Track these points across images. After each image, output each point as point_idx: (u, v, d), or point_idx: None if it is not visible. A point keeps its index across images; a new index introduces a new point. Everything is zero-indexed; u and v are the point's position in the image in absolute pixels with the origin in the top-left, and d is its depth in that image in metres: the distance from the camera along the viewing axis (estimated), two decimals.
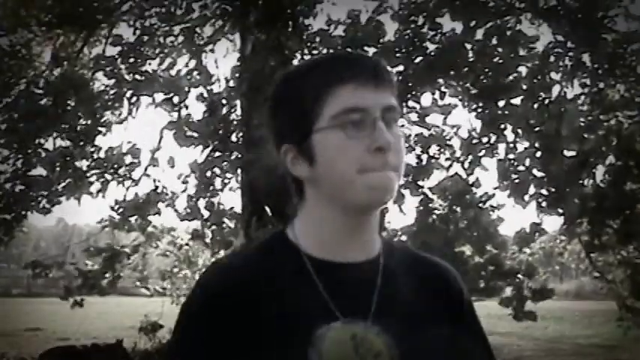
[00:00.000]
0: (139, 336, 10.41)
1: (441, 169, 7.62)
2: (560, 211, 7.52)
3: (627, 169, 7.51)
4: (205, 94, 7.90)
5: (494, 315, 9.11)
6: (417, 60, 7.37)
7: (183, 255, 10.84)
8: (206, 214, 8.22)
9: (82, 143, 8.43)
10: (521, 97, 7.46)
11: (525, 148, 7.56)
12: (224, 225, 8.27)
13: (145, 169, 8.60)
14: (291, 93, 1.19)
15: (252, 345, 1.11)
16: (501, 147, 7.59)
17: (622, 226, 7.52)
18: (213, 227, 8.29)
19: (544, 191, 7.45)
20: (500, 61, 7.41)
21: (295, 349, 1.09)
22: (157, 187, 8.54)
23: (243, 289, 1.14)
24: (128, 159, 8.47)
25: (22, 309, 19.65)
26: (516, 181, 7.41)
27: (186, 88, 8.01)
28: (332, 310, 1.13)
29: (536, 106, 7.45)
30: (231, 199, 12.88)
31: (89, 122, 8.55)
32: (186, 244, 10.33)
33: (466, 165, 7.57)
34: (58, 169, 8.28)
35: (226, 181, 8.29)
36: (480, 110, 7.54)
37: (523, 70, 7.54)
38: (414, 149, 7.55)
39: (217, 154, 8.04)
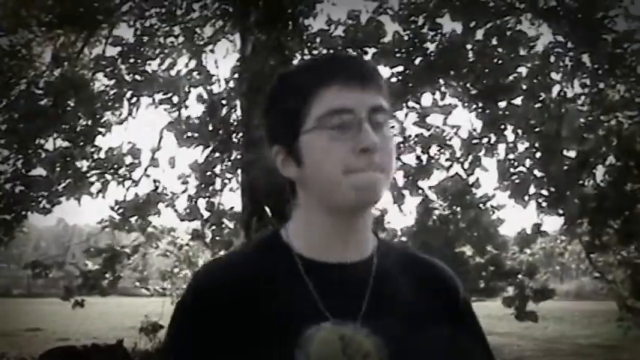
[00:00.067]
0: (140, 336, 10.40)
1: (441, 170, 7.62)
2: (561, 211, 7.52)
3: (627, 169, 7.51)
4: (205, 95, 7.91)
5: (494, 315, 9.13)
6: (417, 60, 7.37)
7: (183, 255, 10.82)
8: (206, 214, 8.22)
9: (82, 143, 8.43)
10: (522, 97, 7.46)
11: (525, 149, 7.56)
12: (224, 225, 8.27)
13: (145, 170, 8.60)
14: (282, 94, 1.20)
15: (242, 342, 1.11)
16: (501, 147, 7.59)
17: (622, 227, 7.52)
18: (214, 227, 8.29)
19: (544, 191, 7.44)
20: (500, 61, 7.40)
21: (283, 348, 1.10)
22: (157, 188, 8.53)
23: (235, 287, 1.15)
24: (128, 159, 8.46)
25: (22, 309, 19.66)
26: (516, 181, 7.41)
27: (186, 89, 8.02)
28: (322, 310, 1.13)
29: (536, 106, 7.45)
30: (231, 199, 12.91)
31: (89, 122, 8.55)
32: (187, 245, 10.31)
33: (466, 165, 7.57)
34: (58, 169, 8.27)
35: (226, 181, 8.29)
36: (480, 110, 7.53)
37: (523, 70, 7.54)
38: (414, 149, 7.55)
39: (217, 154, 8.05)
